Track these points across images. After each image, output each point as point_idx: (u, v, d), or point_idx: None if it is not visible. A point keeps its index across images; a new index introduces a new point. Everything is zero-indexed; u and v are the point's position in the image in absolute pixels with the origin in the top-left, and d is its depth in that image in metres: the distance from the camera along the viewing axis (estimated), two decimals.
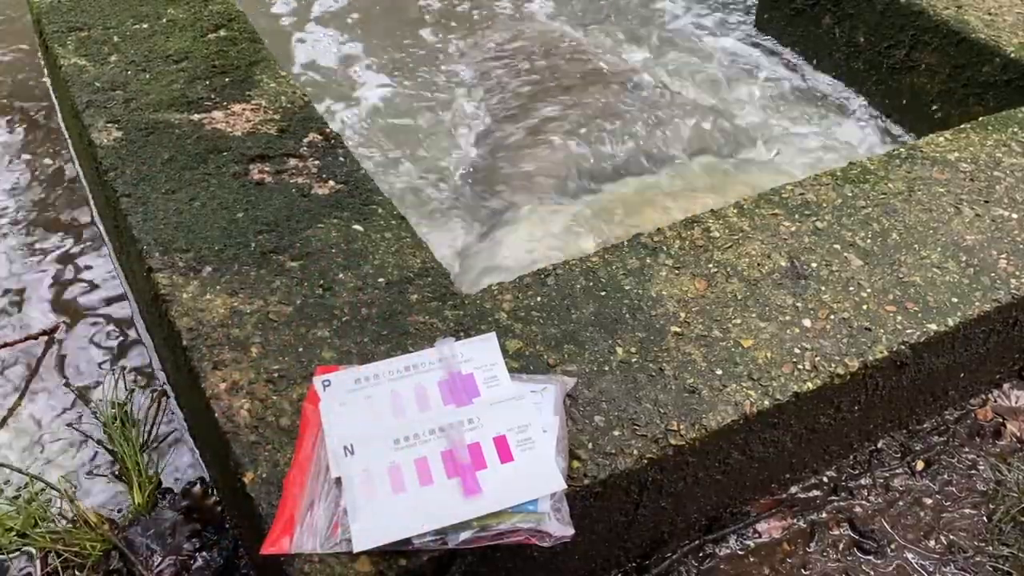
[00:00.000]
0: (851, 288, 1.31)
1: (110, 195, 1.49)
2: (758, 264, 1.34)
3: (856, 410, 1.30)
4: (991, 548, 1.30)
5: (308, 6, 2.61)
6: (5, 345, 1.61)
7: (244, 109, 1.63)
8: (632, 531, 1.21)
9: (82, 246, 1.85)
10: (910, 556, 1.29)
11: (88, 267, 1.80)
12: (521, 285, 1.29)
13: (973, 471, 1.41)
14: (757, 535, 1.31)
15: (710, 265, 1.33)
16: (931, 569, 1.28)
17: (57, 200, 1.97)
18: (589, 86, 2.26)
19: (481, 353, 1.14)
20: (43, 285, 1.76)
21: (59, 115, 2.19)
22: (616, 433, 1.10)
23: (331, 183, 1.47)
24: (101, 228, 1.88)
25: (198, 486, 1.37)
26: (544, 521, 0.98)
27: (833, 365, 1.20)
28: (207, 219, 1.38)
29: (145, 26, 1.86)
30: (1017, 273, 1.35)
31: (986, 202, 1.47)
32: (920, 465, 1.41)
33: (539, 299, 1.27)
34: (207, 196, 1.43)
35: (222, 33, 1.84)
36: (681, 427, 1.12)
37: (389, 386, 1.11)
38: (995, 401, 1.52)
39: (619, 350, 1.20)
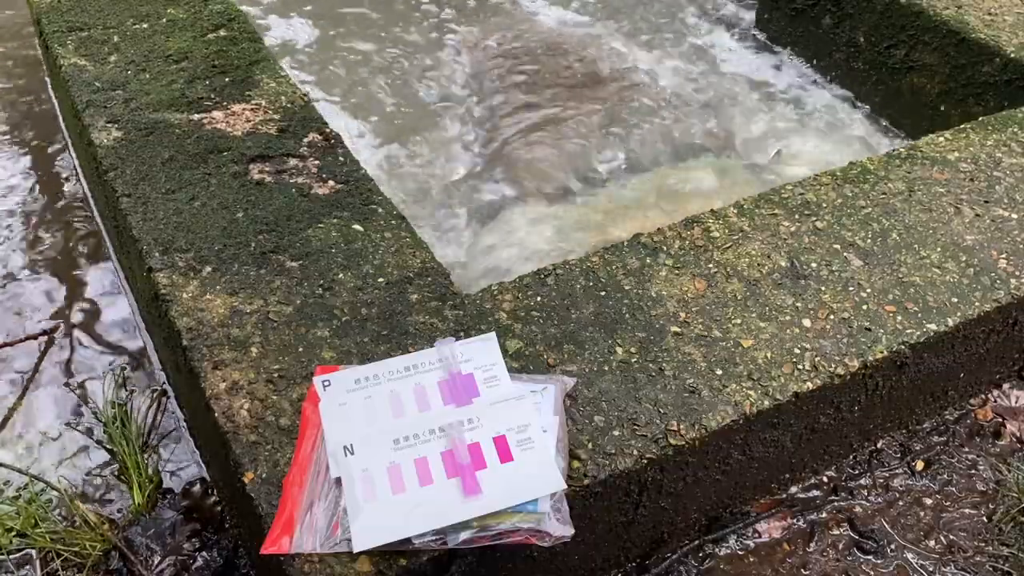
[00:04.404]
0: (851, 288, 1.31)
1: (110, 195, 1.49)
2: (758, 264, 1.34)
3: (856, 410, 1.30)
4: (991, 548, 1.30)
5: (306, 6, 2.61)
6: (5, 345, 1.61)
7: (244, 109, 1.63)
8: (632, 531, 1.21)
9: (82, 246, 1.85)
10: (910, 556, 1.29)
11: (88, 267, 1.80)
12: (521, 285, 1.29)
13: (973, 471, 1.41)
14: (757, 535, 1.31)
15: (710, 265, 1.33)
16: (931, 569, 1.28)
17: (57, 199, 1.97)
18: (589, 86, 2.26)
19: (481, 353, 1.14)
20: (43, 285, 1.76)
21: (59, 115, 2.20)
22: (616, 433, 1.10)
23: (331, 183, 1.47)
24: (101, 228, 1.88)
25: (198, 486, 1.37)
26: (544, 521, 0.98)
27: (833, 365, 1.20)
28: (207, 219, 1.38)
29: (145, 26, 1.86)
30: (1017, 273, 1.35)
31: (986, 202, 1.47)
32: (920, 465, 1.41)
33: (539, 299, 1.27)
34: (207, 196, 1.43)
35: (222, 33, 1.84)
36: (681, 427, 1.12)
37: (389, 386, 1.11)
38: (995, 401, 1.51)
39: (619, 350, 1.20)
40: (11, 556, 1.29)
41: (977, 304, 1.30)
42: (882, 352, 1.23)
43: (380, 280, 1.29)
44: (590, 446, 1.09)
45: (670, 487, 1.17)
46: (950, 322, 1.27)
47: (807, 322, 1.25)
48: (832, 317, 1.26)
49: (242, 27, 1.87)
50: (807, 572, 1.27)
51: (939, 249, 1.38)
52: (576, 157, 2.05)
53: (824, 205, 1.45)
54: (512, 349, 1.19)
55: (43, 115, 2.23)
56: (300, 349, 1.19)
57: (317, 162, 1.51)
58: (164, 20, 1.88)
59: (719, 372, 1.18)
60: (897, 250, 1.38)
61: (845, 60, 2.24)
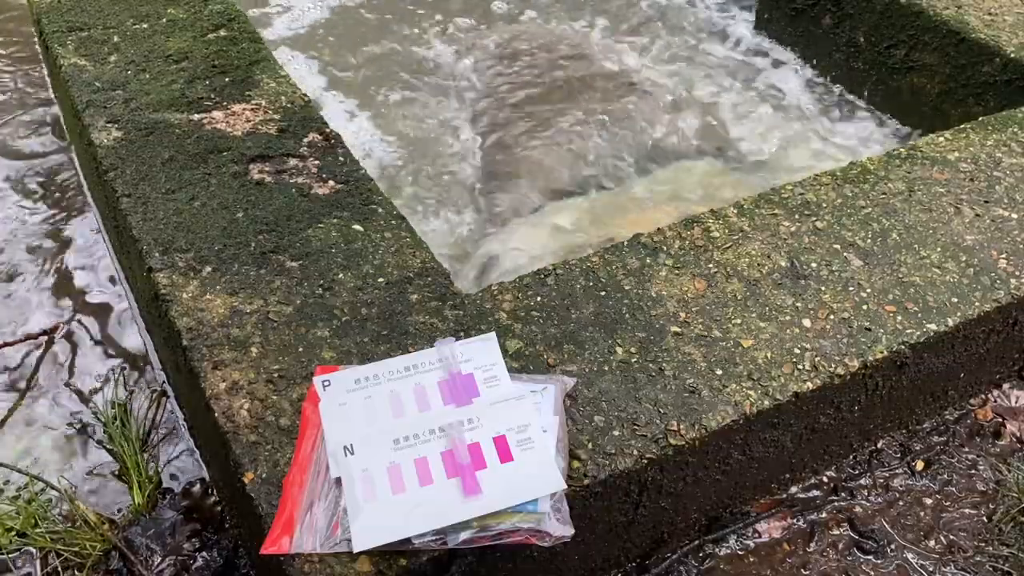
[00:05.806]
0: (851, 288, 1.31)
1: (110, 195, 1.49)
2: (758, 264, 1.34)
3: (856, 410, 1.30)
4: (991, 548, 1.30)
5: (306, 7, 2.61)
6: (5, 345, 1.61)
7: (244, 109, 1.63)
8: (632, 531, 1.21)
9: (82, 246, 1.85)
10: (910, 556, 1.29)
11: (88, 267, 1.80)
12: (521, 285, 1.29)
13: (973, 471, 1.41)
14: (757, 535, 1.31)
15: (710, 265, 1.33)
16: (931, 569, 1.28)
17: (57, 200, 1.97)
18: (589, 86, 2.26)
19: (481, 353, 1.14)
20: (43, 285, 1.76)
21: (59, 115, 2.19)
22: (616, 433, 1.10)
23: (331, 183, 1.47)
24: (101, 228, 1.88)
25: (198, 486, 1.37)
26: (544, 521, 0.98)
27: (833, 365, 1.20)
28: (207, 219, 1.38)
29: (145, 26, 1.86)
30: (1017, 273, 1.35)
31: (986, 202, 1.47)
32: (920, 465, 1.41)
33: (539, 299, 1.27)
34: (207, 196, 1.43)
35: (222, 33, 1.84)
36: (681, 427, 1.12)
37: (389, 386, 1.11)
38: (995, 401, 1.51)
39: (619, 350, 1.20)
40: (11, 556, 1.29)
41: (977, 304, 1.30)
42: (882, 352, 1.23)
43: (380, 280, 1.29)
44: (590, 446, 1.09)
45: (670, 487, 1.17)
46: (950, 322, 1.27)
47: (807, 322, 1.25)
48: (832, 317, 1.26)
49: (242, 27, 1.87)
50: (807, 572, 1.27)
51: (939, 249, 1.38)
52: (575, 158, 2.05)
53: (824, 205, 1.45)
54: (512, 349, 1.19)
55: (43, 115, 2.23)
56: (300, 349, 1.19)
57: (317, 162, 1.51)
58: (164, 20, 1.88)
59: (719, 372, 1.18)
60: (897, 250, 1.38)
61: (845, 60, 2.24)
